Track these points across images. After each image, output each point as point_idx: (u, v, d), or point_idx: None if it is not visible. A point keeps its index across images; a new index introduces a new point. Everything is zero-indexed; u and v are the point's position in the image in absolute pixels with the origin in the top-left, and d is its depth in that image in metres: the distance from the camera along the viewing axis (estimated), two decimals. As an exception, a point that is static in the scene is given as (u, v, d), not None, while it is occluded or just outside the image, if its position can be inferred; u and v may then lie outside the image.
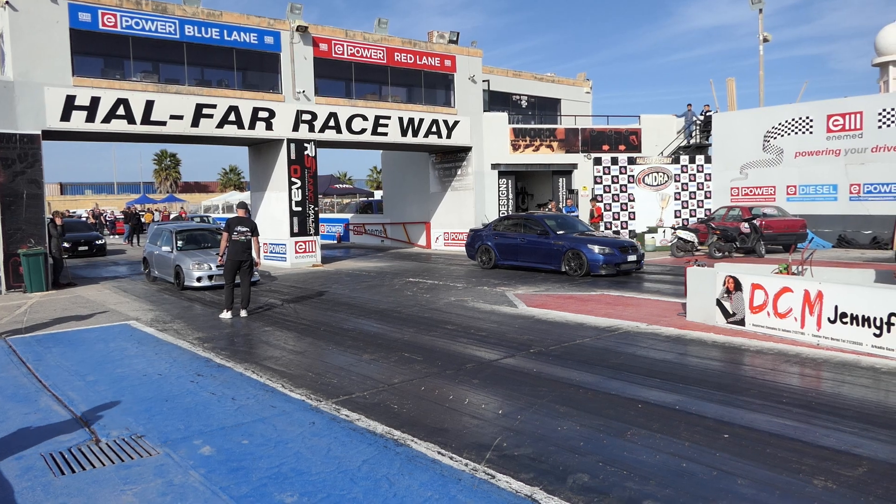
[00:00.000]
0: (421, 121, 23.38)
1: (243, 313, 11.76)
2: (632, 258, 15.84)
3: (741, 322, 9.26)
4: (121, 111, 17.59)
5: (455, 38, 24.59)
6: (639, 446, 5.23)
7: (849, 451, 5.00)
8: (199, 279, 14.97)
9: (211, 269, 14.98)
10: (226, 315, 11.67)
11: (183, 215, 45.67)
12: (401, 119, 22.89)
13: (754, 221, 19.29)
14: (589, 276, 15.58)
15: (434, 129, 23.79)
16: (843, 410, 5.93)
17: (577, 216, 21.55)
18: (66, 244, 23.60)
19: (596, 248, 15.61)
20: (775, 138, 22.62)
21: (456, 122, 24.37)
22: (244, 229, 11.78)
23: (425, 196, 27.38)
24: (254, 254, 11.89)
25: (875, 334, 7.69)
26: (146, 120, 18.00)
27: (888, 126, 20.06)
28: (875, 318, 7.68)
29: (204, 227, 18.52)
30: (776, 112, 22.89)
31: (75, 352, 9.26)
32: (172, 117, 18.40)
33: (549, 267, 16.62)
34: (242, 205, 12.83)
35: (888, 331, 7.55)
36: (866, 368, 7.26)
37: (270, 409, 6.40)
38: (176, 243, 16.24)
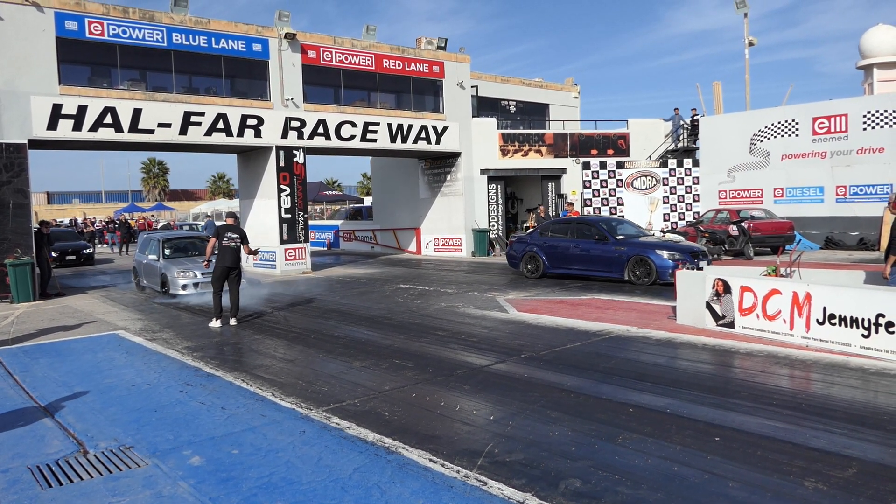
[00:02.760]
0: (410, 127, 23.40)
1: (233, 322, 11.70)
2: (703, 264, 13.72)
3: (731, 324, 9.29)
4: (108, 119, 17.49)
5: (443, 45, 24.65)
6: (630, 450, 5.23)
7: (839, 452, 5.02)
8: (184, 287, 14.90)
9: (196, 276, 14.93)
10: (215, 324, 11.60)
11: (151, 225, 45.09)
12: (390, 125, 22.90)
13: (742, 224, 19.40)
14: (657, 284, 14.29)
15: (423, 135, 23.81)
16: (832, 412, 5.95)
17: None
18: (53, 253, 23.43)
19: (665, 254, 14.32)
20: (762, 141, 22.79)
21: (445, 128, 24.40)
22: (234, 236, 11.74)
23: (415, 202, 27.38)
24: (242, 263, 11.93)
25: (863, 335, 7.73)
26: (134, 128, 17.91)
27: (873, 128, 20.26)
28: (863, 319, 7.73)
29: (191, 236, 18.45)
30: (762, 115, 23.07)
31: (63, 362, 9.17)
32: (160, 125, 18.31)
33: (608, 275, 15.23)
34: (232, 214, 12.86)
35: (876, 332, 7.60)
36: (855, 369, 7.30)
37: (261, 418, 6.36)
38: (163, 252, 16.23)
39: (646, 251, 14.59)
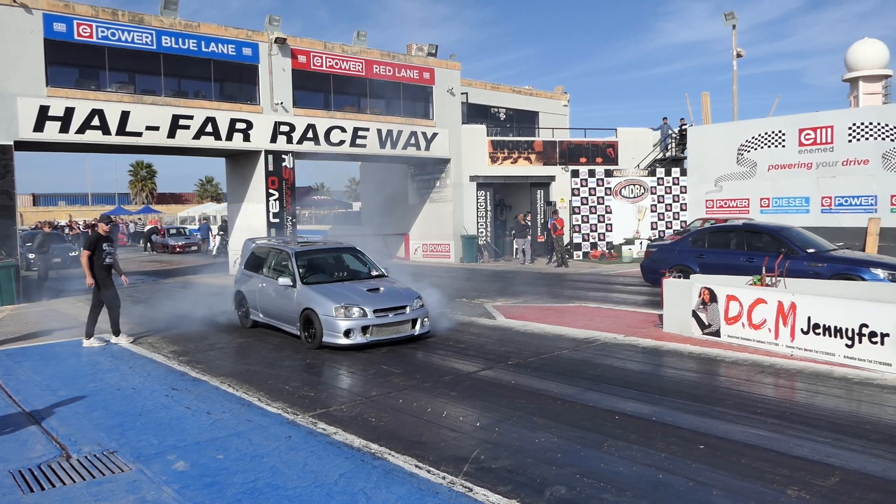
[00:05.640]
0: (399, 133, 23.42)
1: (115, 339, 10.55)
2: None
3: (716, 333, 9.35)
4: (96, 122, 17.40)
5: (434, 51, 24.73)
6: (615, 458, 5.25)
7: (822, 460, 5.06)
8: (347, 332, 9.31)
9: (366, 314, 9.43)
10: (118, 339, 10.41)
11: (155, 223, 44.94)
12: (379, 131, 22.91)
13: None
14: None
15: (413, 140, 23.85)
16: (816, 420, 6.00)
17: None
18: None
19: (881, 272, 11.09)
20: (749, 152, 22.98)
21: (434, 134, 24.44)
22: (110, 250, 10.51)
23: (404, 208, 27.38)
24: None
25: (847, 345, 7.80)
26: (121, 131, 17.82)
27: (858, 140, 20.48)
28: (847, 329, 7.80)
29: (335, 248, 11.95)
30: (750, 126, 23.26)
31: (47, 366, 9.08)
32: (148, 128, 18.23)
33: None
34: (107, 218, 11.27)
35: (860, 342, 7.68)
36: (839, 379, 7.37)
37: (246, 424, 6.33)
38: (299, 272, 10.38)
39: (856, 269, 11.45)
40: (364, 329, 9.35)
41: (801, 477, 4.77)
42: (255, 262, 11.75)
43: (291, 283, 10.22)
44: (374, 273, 10.94)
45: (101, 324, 10.59)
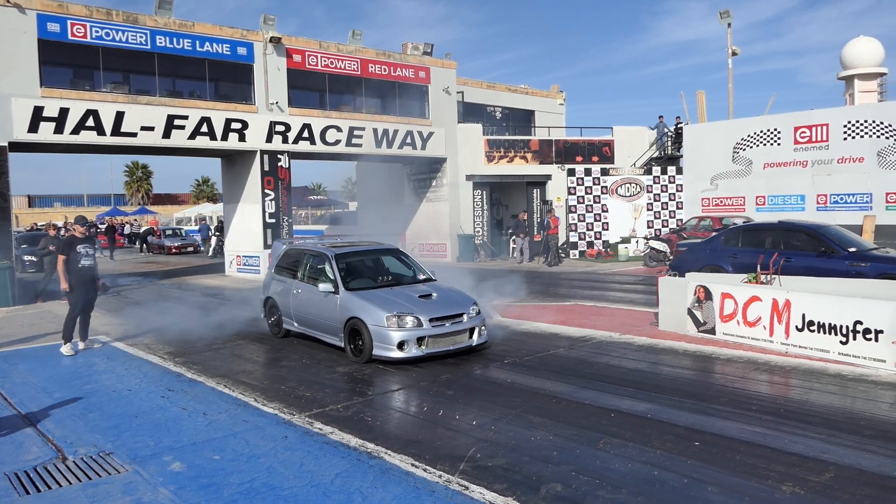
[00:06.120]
0: (395, 132, 23.41)
1: (81, 345, 10.29)
2: None
3: (712, 331, 9.38)
4: (90, 122, 17.35)
5: (429, 50, 24.71)
6: (611, 455, 5.26)
7: (816, 457, 5.09)
8: (401, 345, 8.38)
9: (422, 324, 8.49)
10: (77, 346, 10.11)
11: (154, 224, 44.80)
12: (375, 130, 22.89)
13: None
14: None
15: (409, 140, 23.84)
16: (810, 417, 6.03)
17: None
18: (33, 258, 23.16)
19: None
20: (744, 150, 23.03)
21: (430, 134, 24.44)
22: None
23: (400, 207, 27.37)
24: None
25: (841, 342, 7.83)
26: (116, 131, 17.77)
27: (853, 138, 20.54)
28: (841, 326, 7.83)
29: (378, 249, 10.75)
30: (745, 124, 23.31)
31: (43, 368, 9.06)
32: (143, 129, 18.19)
33: None
34: (82, 219, 10.51)
35: (854, 338, 7.71)
36: (833, 375, 7.40)
37: (243, 424, 6.33)
38: (340, 276, 9.37)
39: None
40: (419, 340, 8.40)
41: (796, 473, 4.79)
42: (287, 265, 10.68)
43: (333, 290, 9.19)
44: (421, 276, 9.99)
45: (99, 326, 10.55)
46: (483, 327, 9.11)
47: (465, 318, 8.85)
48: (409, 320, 8.43)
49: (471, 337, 8.86)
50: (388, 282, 9.75)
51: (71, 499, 4.77)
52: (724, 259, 12.37)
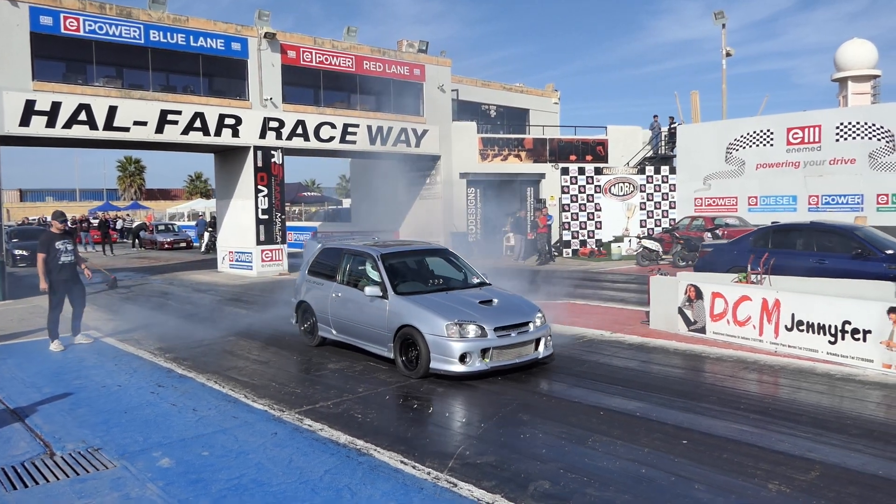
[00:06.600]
0: (389, 129, 23.38)
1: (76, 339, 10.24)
2: None
3: (702, 330, 9.42)
4: (83, 116, 17.26)
5: (424, 48, 24.68)
6: (600, 453, 5.28)
7: (803, 455, 5.12)
8: (463, 357, 7.40)
9: (485, 334, 7.53)
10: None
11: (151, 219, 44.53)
12: (369, 127, 22.86)
13: (717, 231, 19.66)
14: None
15: (403, 137, 23.81)
16: (798, 416, 6.06)
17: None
18: (24, 252, 23.05)
19: None
20: (737, 150, 23.10)
21: (425, 131, 24.42)
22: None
23: (394, 204, 27.33)
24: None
25: (830, 342, 7.88)
26: (109, 126, 17.68)
27: (845, 139, 20.64)
28: (830, 326, 7.88)
29: (425, 249, 9.87)
30: (738, 125, 23.39)
31: (31, 363, 9.03)
32: (136, 123, 18.10)
33: None
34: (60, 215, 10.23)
35: (842, 338, 7.75)
36: (821, 375, 7.44)
37: (232, 420, 6.32)
38: (388, 279, 8.39)
39: None
40: (483, 352, 7.43)
41: (783, 471, 4.82)
42: (323, 266, 9.66)
43: (381, 294, 8.21)
44: (475, 280, 9.06)
45: (89, 321, 10.51)
46: (549, 337, 8.21)
47: (531, 326, 7.95)
48: (472, 329, 7.47)
49: (536, 348, 7.95)
50: (439, 286, 8.79)
51: (59, 494, 4.76)
52: (753, 261, 11.46)
